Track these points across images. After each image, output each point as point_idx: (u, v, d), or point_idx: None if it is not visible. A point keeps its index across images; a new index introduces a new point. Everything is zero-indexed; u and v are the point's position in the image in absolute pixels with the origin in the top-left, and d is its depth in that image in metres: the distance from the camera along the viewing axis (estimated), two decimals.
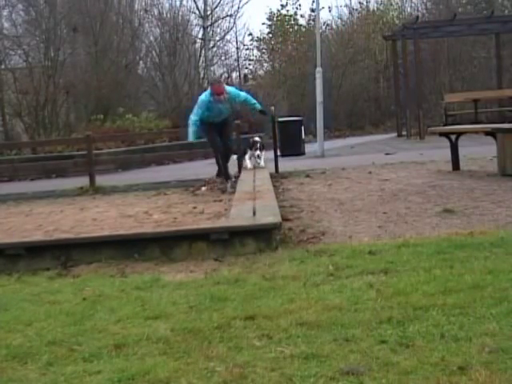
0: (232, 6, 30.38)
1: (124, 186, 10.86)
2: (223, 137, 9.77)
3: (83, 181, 11.46)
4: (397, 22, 29.76)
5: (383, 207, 6.65)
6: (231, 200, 7.33)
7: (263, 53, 32.37)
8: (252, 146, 10.99)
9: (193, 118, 9.46)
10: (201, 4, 28.71)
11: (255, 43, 32.00)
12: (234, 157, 10.58)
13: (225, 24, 30.54)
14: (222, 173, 9.79)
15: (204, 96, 9.61)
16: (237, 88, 10.32)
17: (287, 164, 12.26)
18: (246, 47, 32.19)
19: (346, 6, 37.04)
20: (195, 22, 29.51)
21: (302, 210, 6.89)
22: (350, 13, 32.54)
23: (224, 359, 2.85)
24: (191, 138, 9.51)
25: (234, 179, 9.59)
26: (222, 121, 9.66)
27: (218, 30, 30.34)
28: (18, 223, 7.23)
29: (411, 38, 20.87)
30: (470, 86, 26.69)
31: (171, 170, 14.55)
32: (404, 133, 21.05)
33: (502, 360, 2.62)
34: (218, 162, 9.95)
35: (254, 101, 10.14)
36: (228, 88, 9.94)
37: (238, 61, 31.43)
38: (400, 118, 21.84)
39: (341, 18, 32.63)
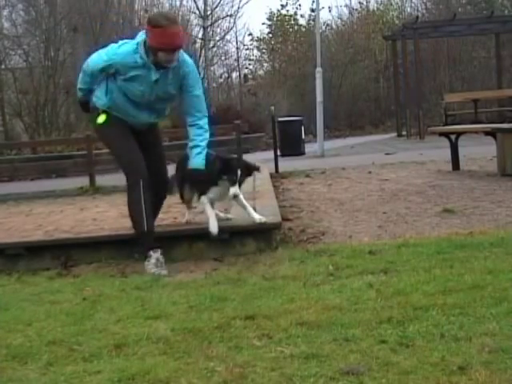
0: (232, 6, 30.43)
1: (124, 186, 10.77)
2: (152, 156, 5.04)
3: (83, 181, 11.46)
4: (397, 22, 29.78)
5: (383, 207, 6.65)
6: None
7: (263, 53, 32.41)
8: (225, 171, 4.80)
9: (78, 92, 5.02)
10: (201, 4, 28.75)
11: (255, 43, 32.08)
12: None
13: (225, 24, 30.62)
14: (139, 233, 4.84)
15: (125, 46, 4.75)
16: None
17: (287, 164, 12.26)
18: (245, 47, 32.28)
19: (346, 6, 37.10)
20: (195, 21, 29.55)
21: (302, 209, 6.89)
22: (350, 13, 32.60)
23: (224, 359, 2.85)
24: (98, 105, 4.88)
25: (159, 254, 4.77)
26: (149, 126, 5.07)
27: (218, 30, 30.43)
28: (18, 223, 7.23)
29: (411, 38, 20.88)
30: (470, 86, 26.72)
31: (171, 170, 14.55)
32: (404, 133, 21.06)
33: (502, 360, 2.62)
34: (140, 211, 4.81)
35: (205, 127, 4.88)
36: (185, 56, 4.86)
37: (238, 61, 31.46)
38: (400, 118, 21.85)
39: (341, 18, 32.70)
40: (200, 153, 4.86)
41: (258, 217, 4.99)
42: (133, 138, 4.95)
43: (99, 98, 4.88)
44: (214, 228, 4.84)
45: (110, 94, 4.82)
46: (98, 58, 4.88)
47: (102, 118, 4.86)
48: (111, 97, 4.82)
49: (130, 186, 4.92)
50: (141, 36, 4.76)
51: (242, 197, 4.99)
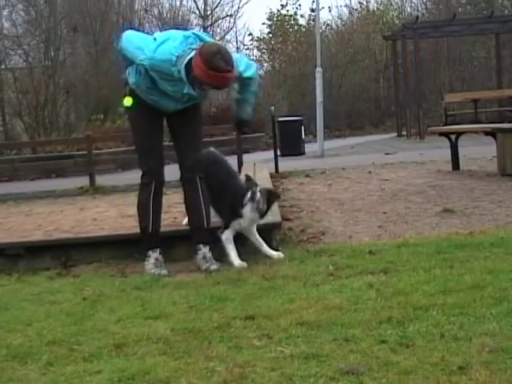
0: (232, 6, 30.49)
1: (124, 186, 10.84)
2: (179, 144, 5.03)
3: (83, 181, 11.47)
4: (397, 22, 29.78)
5: (383, 207, 6.65)
6: None
7: (263, 53, 32.39)
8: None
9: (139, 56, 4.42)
10: (201, 4, 28.85)
11: (255, 43, 32.07)
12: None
13: (225, 24, 30.67)
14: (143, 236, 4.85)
15: (178, 42, 4.37)
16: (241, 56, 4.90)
17: (287, 164, 12.26)
18: (246, 47, 32.25)
19: (346, 5, 36.96)
20: (195, 22, 29.60)
21: (302, 209, 6.89)
22: (350, 13, 32.60)
23: (224, 359, 2.85)
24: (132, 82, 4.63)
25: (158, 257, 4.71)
26: (182, 109, 4.72)
27: (218, 30, 30.46)
28: (18, 223, 7.22)
29: (411, 38, 20.88)
30: (470, 86, 26.72)
31: (171, 170, 14.55)
32: (404, 133, 21.06)
33: (502, 360, 2.62)
34: (146, 212, 4.89)
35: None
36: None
37: None
38: (400, 118, 21.85)
39: (341, 18, 32.70)
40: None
41: (275, 253, 4.80)
42: (159, 130, 4.93)
43: (131, 74, 4.63)
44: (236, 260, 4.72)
45: (139, 75, 4.57)
46: (135, 53, 4.48)
47: (128, 101, 4.68)
48: (139, 78, 4.57)
49: (143, 184, 4.99)
50: (182, 45, 4.37)
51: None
